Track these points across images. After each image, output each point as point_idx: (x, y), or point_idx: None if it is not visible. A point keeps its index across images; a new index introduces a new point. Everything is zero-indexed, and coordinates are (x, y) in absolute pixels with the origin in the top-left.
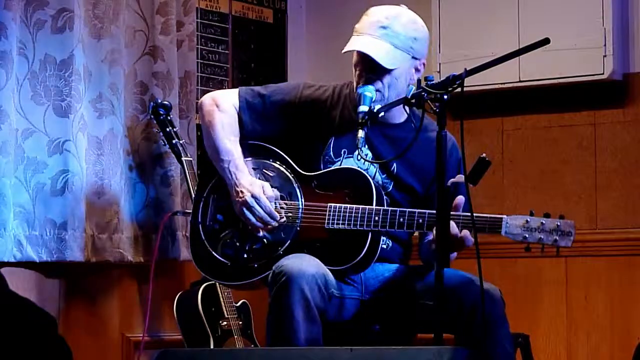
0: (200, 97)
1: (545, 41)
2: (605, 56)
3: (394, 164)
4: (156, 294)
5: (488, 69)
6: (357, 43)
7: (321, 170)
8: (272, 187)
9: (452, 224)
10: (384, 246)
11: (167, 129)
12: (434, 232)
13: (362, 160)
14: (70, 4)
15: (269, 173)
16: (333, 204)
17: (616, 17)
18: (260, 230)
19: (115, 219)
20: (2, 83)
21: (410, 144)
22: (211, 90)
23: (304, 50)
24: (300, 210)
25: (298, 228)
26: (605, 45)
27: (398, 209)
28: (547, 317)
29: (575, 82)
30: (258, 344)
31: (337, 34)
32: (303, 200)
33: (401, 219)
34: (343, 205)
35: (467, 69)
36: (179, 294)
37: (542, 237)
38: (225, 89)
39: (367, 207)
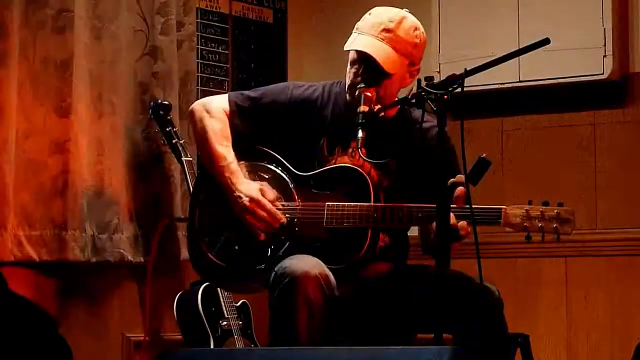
0: (200, 97)
1: (545, 41)
2: (605, 56)
3: (389, 159)
4: (156, 294)
5: (488, 69)
6: (360, 42)
7: (316, 169)
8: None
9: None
10: (382, 244)
11: (167, 129)
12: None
13: (357, 157)
14: (70, 4)
15: (264, 175)
16: (330, 203)
17: (616, 17)
18: (262, 234)
19: (115, 219)
20: (2, 83)
21: (410, 146)
22: (211, 90)
23: (304, 50)
24: (297, 211)
25: (297, 229)
26: (605, 45)
27: (396, 205)
28: (547, 317)
29: (575, 82)
30: (258, 344)
31: (337, 34)
32: (300, 200)
33: (400, 215)
34: (341, 203)
35: (467, 69)
36: (179, 294)
37: (542, 225)
38: (225, 89)
39: (365, 204)
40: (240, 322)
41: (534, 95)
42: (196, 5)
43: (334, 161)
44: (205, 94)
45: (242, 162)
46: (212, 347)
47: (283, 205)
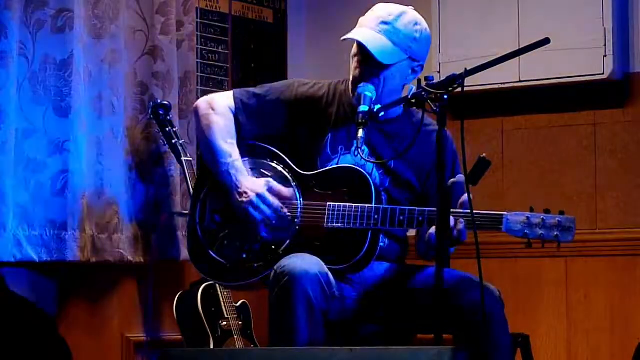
0: (200, 97)
1: (545, 41)
2: (605, 56)
3: (391, 160)
4: (156, 294)
5: (488, 69)
6: (355, 32)
7: (319, 168)
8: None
9: (451, 218)
10: (382, 244)
11: (167, 129)
12: (434, 228)
13: (360, 157)
14: (70, 4)
15: (266, 173)
16: (332, 203)
17: (616, 17)
18: (264, 230)
19: (115, 219)
20: (2, 83)
21: (410, 146)
22: (211, 90)
23: (304, 50)
24: (299, 210)
25: (297, 227)
26: (605, 45)
27: (397, 207)
28: (547, 317)
29: (575, 82)
30: (258, 344)
31: (337, 33)
32: (302, 199)
33: (401, 217)
34: (342, 204)
35: (467, 69)
36: (179, 294)
37: (543, 233)
38: (225, 88)
39: (367, 205)
40: (240, 322)
41: (534, 95)
42: (196, 5)
43: (337, 160)
44: (205, 93)
45: (245, 159)
46: (212, 347)
47: (284, 204)
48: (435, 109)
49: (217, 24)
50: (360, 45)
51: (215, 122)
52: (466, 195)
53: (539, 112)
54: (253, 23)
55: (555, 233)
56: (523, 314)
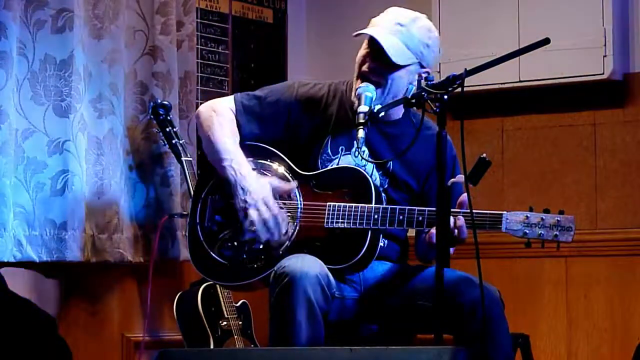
0: (200, 97)
1: (545, 41)
2: (605, 56)
3: (390, 161)
4: (156, 294)
5: (488, 69)
6: (372, 31)
7: (319, 168)
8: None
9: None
10: (381, 244)
11: (167, 129)
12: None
13: (360, 157)
14: (70, 4)
15: (267, 173)
16: (332, 203)
17: (616, 17)
18: (262, 232)
19: (115, 219)
20: (2, 83)
21: (410, 146)
22: (211, 90)
23: (304, 50)
24: (299, 210)
25: (297, 228)
26: (605, 45)
27: (397, 206)
28: (547, 317)
29: (575, 82)
30: (258, 344)
31: (337, 33)
32: (302, 200)
33: (401, 217)
34: (342, 204)
35: (467, 69)
36: (179, 294)
37: (542, 232)
38: (225, 88)
39: (367, 205)
40: (240, 322)
41: (534, 95)
42: (196, 5)
43: (337, 161)
44: (205, 94)
45: (247, 159)
46: (212, 347)
47: (284, 204)
48: (435, 109)
49: (217, 24)
50: (373, 43)
51: (218, 123)
52: (464, 195)
53: (539, 112)
54: (253, 23)
55: (555, 233)
56: (523, 314)
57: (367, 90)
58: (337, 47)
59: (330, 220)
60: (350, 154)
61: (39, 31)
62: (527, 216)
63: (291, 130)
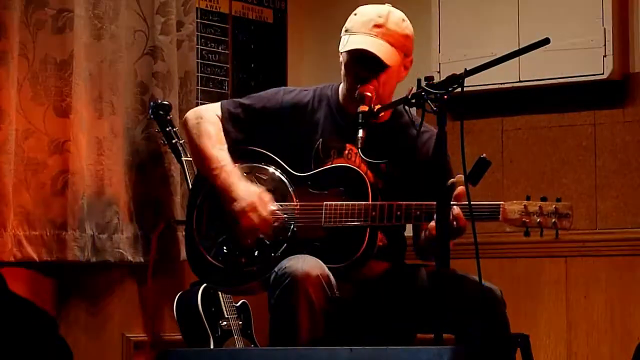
0: (200, 97)
1: (545, 41)
2: (605, 56)
3: (384, 162)
4: (156, 294)
5: (488, 69)
6: (355, 41)
7: (313, 170)
8: (266, 190)
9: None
10: (380, 243)
11: (167, 129)
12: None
13: (353, 159)
14: (70, 4)
15: (261, 176)
16: (329, 203)
17: (616, 17)
18: (256, 236)
19: (115, 219)
20: (2, 83)
21: (404, 144)
22: (211, 90)
23: (304, 50)
24: (295, 211)
25: (295, 229)
26: (605, 45)
27: (394, 202)
28: (547, 317)
29: (575, 82)
30: (258, 344)
31: (337, 34)
32: (298, 201)
33: (398, 213)
34: (339, 202)
35: (467, 69)
36: (179, 294)
37: (540, 220)
38: (225, 89)
39: (363, 202)
40: (240, 322)
41: (534, 95)
42: (196, 5)
43: (330, 164)
44: (205, 94)
45: (239, 163)
46: (212, 347)
47: (281, 206)
48: (435, 109)
49: (217, 24)
50: (355, 53)
51: (204, 130)
52: (461, 187)
53: (539, 112)
54: (253, 23)
55: (553, 220)
56: (523, 314)
57: (367, 90)
58: (336, 47)
59: (327, 219)
60: (342, 156)
61: (39, 31)
62: (524, 205)
63: (279, 138)
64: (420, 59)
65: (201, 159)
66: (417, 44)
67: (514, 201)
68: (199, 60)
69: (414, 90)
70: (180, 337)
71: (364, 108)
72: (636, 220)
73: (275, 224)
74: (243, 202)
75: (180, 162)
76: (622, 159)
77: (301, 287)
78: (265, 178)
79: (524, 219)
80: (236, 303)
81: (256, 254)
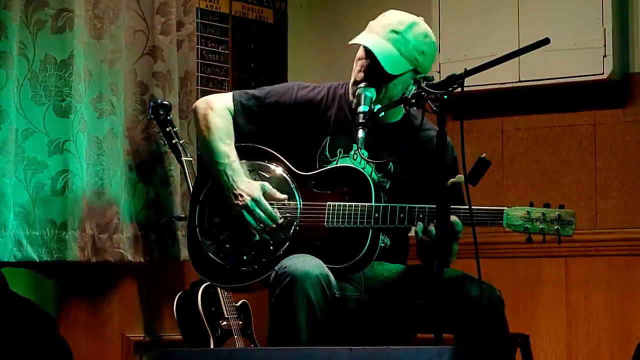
0: (201, 97)
1: (545, 41)
2: (605, 56)
3: (390, 163)
4: (156, 294)
5: (488, 69)
6: (364, 38)
7: (317, 169)
8: None
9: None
10: (382, 245)
11: (167, 129)
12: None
13: (359, 160)
14: (70, 4)
15: (265, 174)
16: (332, 203)
17: (616, 17)
18: (258, 234)
19: (115, 219)
20: (2, 83)
21: (412, 147)
22: (211, 90)
23: (304, 50)
24: (298, 210)
25: (297, 228)
26: (605, 45)
27: (398, 204)
28: (547, 317)
29: (575, 82)
30: (258, 344)
31: (337, 34)
32: (301, 200)
33: (401, 215)
34: (342, 203)
35: (467, 69)
36: (179, 294)
37: (543, 227)
38: (225, 88)
39: (367, 204)
40: (240, 322)
41: (534, 95)
42: (196, 5)
43: (335, 163)
44: (205, 94)
45: (244, 160)
46: (212, 347)
47: (284, 205)
48: (435, 109)
49: (217, 24)
50: (368, 51)
51: (213, 123)
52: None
53: (539, 112)
54: (253, 23)
55: (556, 227)
56: (523, 314)
57: (367, 90)
58: (337, 47)
59: (330, 219)
60: (348, 156)
61: (39, 31)
62: (528, 211)
63: (289, 132)
64: None
65: (208, 152)
66: None
67: (517, 207)
68: (199, 60)
69: (414, 90)
70: (180, 337)
71: (364, 108)
72: (636, 220)
73: (277, 222)
74: (246, 199)
75: (180, 162)
76: (622, 159)
77: (300, 287)
78: (268, 176)
79: (526, 225)
80: (236, 303)
81: (258, 252)
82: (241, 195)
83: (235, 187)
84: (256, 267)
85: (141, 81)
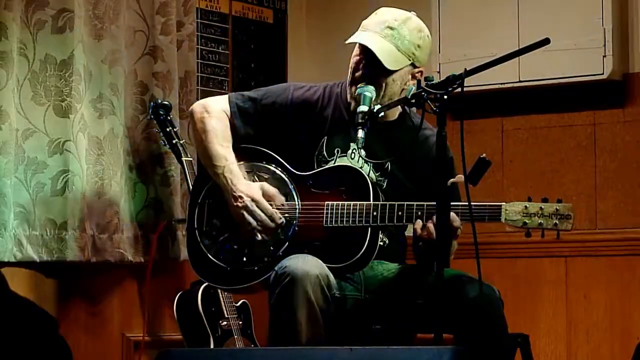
0: (200, 97)
1: (545, 41)
2: (605, 56)
3: (388, 162)
4: (156, 294)
5: (488, 69)
6: (361, 37)
7: (315, 169)
8: None
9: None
10: (381, 243)
11: (167, 129)
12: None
13: (357, 159)
14: (70, 4)
15: (263, 175)
16: (330, 202)
17: (616, 17)
18: (259, 234)
19: (115, 219)
20: (2, 83)
21: (409, 146)
22: (211, 90)
23: (304, 50)
24: (297, 211)
25: (296, 228)
26: (605, 45)
27: (396, 202)
28: (547, 317)
29: (575, 82)
30: (258, 344)
31: (337, 34)
32: (299, 200)
33: (399, 213)
34: (340, 202)
35: (467, 69)
36: (179, 294)
37: (541, 221)
38: (225, 88)
39: (365, 202)
40: (240, 322)
41: (534, 95)
42: (196, 5)
43: (333, 162)
44: (205, 94)
45: (241, 162)
46: (212, 347)
47: (282, 205)
48: (435, 109)
49: (217, 24)
50: (365, 49)
51: (210, 126)
52: (458, 176)
53: (538, 112)
54: (253, 23)
55: (554, 221)
56: (523, 314)
57: (367, 90)
58: (337, 47)
59: (329, 219)
60: (346, 156)
61: (39, 31)
62: (525, 206)
63: (286, 133)
64: None
65: (205, 155)
66: None
67: (515, 202)
68: (199, 60)
69: (414, 90)
70: (180, 337)
71: (363, 108)
72: (636, 220)
73: (277, 222)
74: (245, 200)
75: (180, 162)
76: (622, 159)
77: (300, 286)
78: (266, 177)
79: (525, 220)
80: (236, 303)
81: (257, 253)
82: (240, 197)
83: (235, 189)
84: (256, 268)
85: (141, 81)
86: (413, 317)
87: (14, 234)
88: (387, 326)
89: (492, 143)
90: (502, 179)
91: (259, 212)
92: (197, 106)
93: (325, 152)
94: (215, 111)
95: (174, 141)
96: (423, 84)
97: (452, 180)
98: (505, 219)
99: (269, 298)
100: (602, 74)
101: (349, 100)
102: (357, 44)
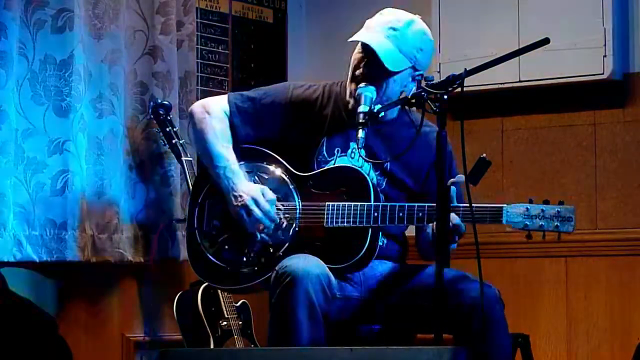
0: (200, 97)
1: (545, 41)
2: (605, 56)
3: (388, 162)
4: (156, 294)
5: (488, 69)
6: (364, 35)
7: (315, 170)
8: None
9: (452, 214)
10: (380, 244)
11: (167, 129)
12: (433, 225)
13: (357, 158)
14: (70, 4)
15: (263, 176)
16: (331, 203)
17: (616, 17)
18: (259, 234)
19: (115, 219)
20: (2, 83)
21: (409, 146)
22: (211, 90)
23: (304, 50)
24: (297, 211)
25: (297, 229)
26: (605, 45)
27: (397, 203)
28: (547, 317)
29: (575, 82)
30: (258, 344)
31: (337, 34)
32: (300, 200)
33: (400, 214)
34: (341, 203)
35: (467, 69)
36: (179, 294)
37: (543, 224)
38: (225, 88)
39: (366, 203)
40: (240, 322)
41: (534, 95)
42: (196, 5)
43: (333, 162)
44: (205, 94)
45: (242, 162)
46: (212, 347)
47: (283, 206)
48: (435, 109)
49: (217, 24)
50: (367, 48)
51: (210, 126)
52: (458, 176)
53: (538, 112)
54: (253, 23)
55: (556, 224)
56: (523, 314)
57: (367, 90)
58: (336, 47)
59: (329, 219)
60: (346, 155)
61: (39, 31)
62: (527, 208)
63: (286, 133)
64: None
65: (206, 155)
66: None
67: (517, 204)
68: (199, 60)
69: (414, 90)
70: (180, 337)
71: (364, 108)
72: (636, 220)
73: (277, 222)
74: (245, 200)
75: (180, 162)
76: (622, 159)
77: (301, 286)
78: (267, 177)
79: (526, 222)
80: (236, 303)
81: (257, 253)
82: (241, 197)
83: (235, 189)
84: (256, 268)
85: (141, 81)
86: (413, 317)
87: (14, 233)
88: (387, 326)
89: (492, 143)
90: (502, 179)
91: (258, 211)
92: (197, 107)
93: (325, 152)
94: (216, 111)
95: (173, 141)
96: (423, 83)
97: (452, 180)
98: (507, 221)
99: (270, 298)
100: (602, 74)
101: (347, 97)
102: (360, 43)
